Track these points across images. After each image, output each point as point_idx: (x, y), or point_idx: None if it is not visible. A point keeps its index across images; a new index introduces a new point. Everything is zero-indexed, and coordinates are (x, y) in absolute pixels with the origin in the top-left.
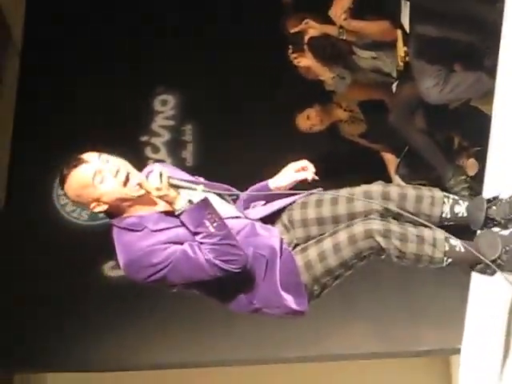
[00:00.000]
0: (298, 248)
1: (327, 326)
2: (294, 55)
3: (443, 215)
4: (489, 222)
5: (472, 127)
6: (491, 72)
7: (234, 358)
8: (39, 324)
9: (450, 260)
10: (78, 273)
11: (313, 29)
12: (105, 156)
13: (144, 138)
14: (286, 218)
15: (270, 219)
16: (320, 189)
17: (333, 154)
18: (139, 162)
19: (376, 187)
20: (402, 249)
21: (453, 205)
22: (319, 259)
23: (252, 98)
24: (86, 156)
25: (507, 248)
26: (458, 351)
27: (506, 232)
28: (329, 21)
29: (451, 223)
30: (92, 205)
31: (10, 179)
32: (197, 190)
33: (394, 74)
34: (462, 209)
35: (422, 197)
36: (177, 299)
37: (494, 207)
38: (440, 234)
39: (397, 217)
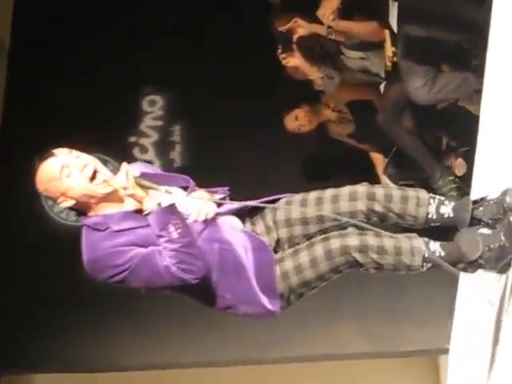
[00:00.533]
0: (276, 256)
1: (314, 326)
2: (283, 55)
3: (429, 216)
4: (475, 222)
5: (460, 127)
6: (479, 72)
7: (222, 358)
8: (31, 324)
9: (429, 265)
10: (69, 274)
11: (301, 28)
12: (75, 152)
13: (132, 139)
14: (270, 218)
15: (249, 218)
16: (290, 194)
17: (321, 154)
18: (128, 163)
19: (361, 188)
20: (380, 261)
21: (438, 205)
22: (295, 272)
23: (240, 99)
24: (57, 150)
25: (491, 246)
26: (446, 351)
27: (487, 231)
28: (317, 21)
29: (437, 224)
30: (59, 199)
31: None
32: (158, 191)
33: (382, 75)
34: (447, 209)
35: (408, 197)
36: (170, 300)
37: (480, 208)
38: (418, 241)
39: (382, 218)
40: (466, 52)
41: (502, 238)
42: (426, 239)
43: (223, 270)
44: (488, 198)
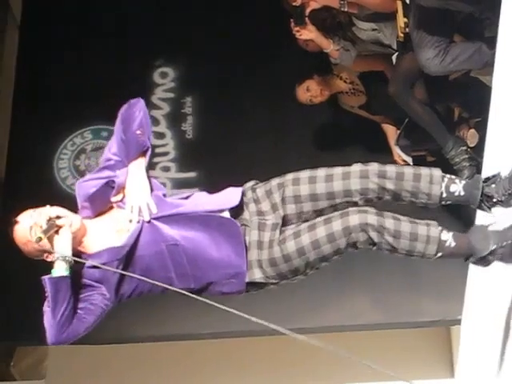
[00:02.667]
0: (291, 231)
1: (328, 298)
2: (296, 28)
3: (442, 195)
4: (487, 199)
5: (472, 98)
6: (491, 43)
7: (228, 330)
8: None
9: (440, 254)
10: None
11: (314, 1)
12: (39, 210)
13: None
14: (277, 195)
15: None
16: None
17: (333, 125)
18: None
19: (372, 166)
20: (394, 245)
21: (449, 184)
22: (312, 247)
23: (251, 71)
24: (19, 217)
25: (504, 243)
26: (458, 322)
27: (498, 228)
28: None
29: (448, 202)
30: (44, 256)
31: (10, 154)
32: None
33: (394, 46)
34: (458, 188)
35: (420, 175)
36: None
37: (492, 185)
38: (435, 231)
39: (394, 196)
40: (479, 23)
41: None
42: (440, 227)
43: (178, 264)
44: (499, 175)
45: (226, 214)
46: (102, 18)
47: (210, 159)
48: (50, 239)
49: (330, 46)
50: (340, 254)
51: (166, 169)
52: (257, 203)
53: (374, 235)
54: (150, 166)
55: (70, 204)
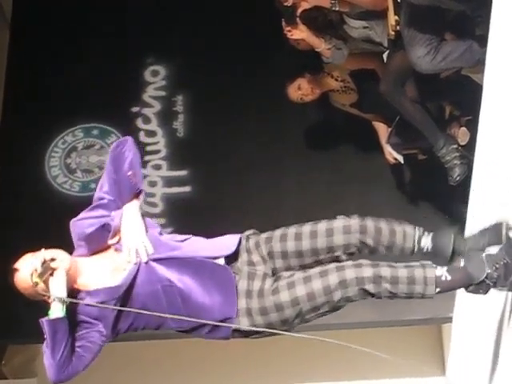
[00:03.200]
0: (284, 281)
1: None
2: (288, 28)
3: (414, 249)
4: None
5: (463, 96)
6: (482, 41)
7: None
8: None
9: (438, 289)
10: (70, 243)
11: (305, 1)
12: (36, 254)
13: (135, 109)
14: (264, 249)
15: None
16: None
17: (324, 123)
18: (131, 133)
19: (353, 221)
20: (393, 291)
21: (419, 239)
22: (307, 298)
23: (242, 69)
24: (17, 264)
25: (497, 265)
26: (449, 320)
27: (492, 251)
28: None
29: (418, 254)
30: (45, 297)
31: (1, 152)
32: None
33: (385, 44)
34: (427, 242)
35: (395, 231)
36: None
37: (462, 244)
38: (431, 271)
39: (372, 251)
40: (470, 21)
41: (505, 255)
42: (434, 265)
43: (172, 304)
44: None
45: (221, 261)
46: (93, 17)
47: (201, 157)
48: (46, 282)
49: (321, 45)
50: (333, 307)
51: (157, 167)
52: (248, 253)
53: (370, 287)
54: (141, 165)
55: (60, 203)
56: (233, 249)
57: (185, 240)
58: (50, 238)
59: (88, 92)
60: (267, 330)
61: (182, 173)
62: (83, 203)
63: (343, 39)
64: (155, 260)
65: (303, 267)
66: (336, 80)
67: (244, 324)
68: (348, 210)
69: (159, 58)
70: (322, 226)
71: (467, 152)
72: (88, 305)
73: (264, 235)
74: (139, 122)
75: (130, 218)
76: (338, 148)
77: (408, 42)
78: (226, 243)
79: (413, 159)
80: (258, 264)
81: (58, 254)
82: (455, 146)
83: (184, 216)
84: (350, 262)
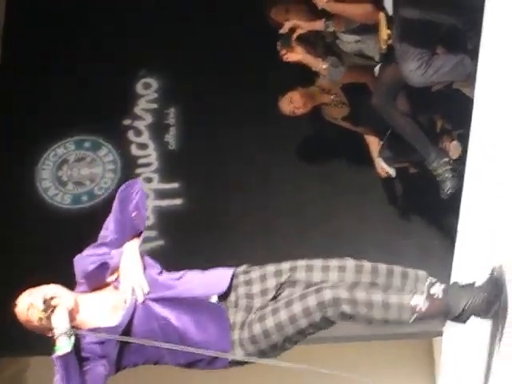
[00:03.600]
0: (270, 307)
1: None
2: (283, 52)
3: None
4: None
5: (454, 110)
6: (473, 55)
7: None
8: None
9: (415, 316)
10: (61, 255)
11: (300, 28)
12: (35, 290)
13: (127, 122)
14: (273, 281)
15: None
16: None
17: (316, 137)
18: (122, 146)
19: (349, 262)
20: (368, 315)
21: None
22: (290, 321)
23: (235, 82)
24: (17, 300)
25: (477, 300)
26: (440, 333)
27: (471, 283)
28: (311, 10)
29: None
30: (47, 333)
31: None
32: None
33: (377, 58)
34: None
35: (393, 271)
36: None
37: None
38: (406, 297)
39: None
40: (461, 35)
41: (486, 290)
42: (412, 292)
43: (169, 341)
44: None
45: (214, 298)
46: (85, 29)
47: (192, 170)
48: (49, 318)
49: (318, 65)
50: (316, 327)
51: (149, 180)
52: (247, 285)
53: (346, 308)
54: (133, 177)
55: (52, 216)
56: (225, 287)
57: (181, 277)
58: (41, 251)
59: (79, 104)
60: (258, 360)
61: (174, 185)
62: (74, 215)
63: (336, 55)
64: (151, 299)
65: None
66: (328, 93)
67: (239, 354)
68: (340, 223)
69: (151, 70)
70: (335, 262)
71: (458, 165)
72: (93, 342)
73: (270, 268)
74: (131, 135)
75: (128, 256)
76: (330, 161)
77: (400, 55)
78: (219, 281)
79: (404, 172)
80: (256, 297)
81: (59, 292)
82: (447, 160)
83: (175, 228)
84: (328, 284)
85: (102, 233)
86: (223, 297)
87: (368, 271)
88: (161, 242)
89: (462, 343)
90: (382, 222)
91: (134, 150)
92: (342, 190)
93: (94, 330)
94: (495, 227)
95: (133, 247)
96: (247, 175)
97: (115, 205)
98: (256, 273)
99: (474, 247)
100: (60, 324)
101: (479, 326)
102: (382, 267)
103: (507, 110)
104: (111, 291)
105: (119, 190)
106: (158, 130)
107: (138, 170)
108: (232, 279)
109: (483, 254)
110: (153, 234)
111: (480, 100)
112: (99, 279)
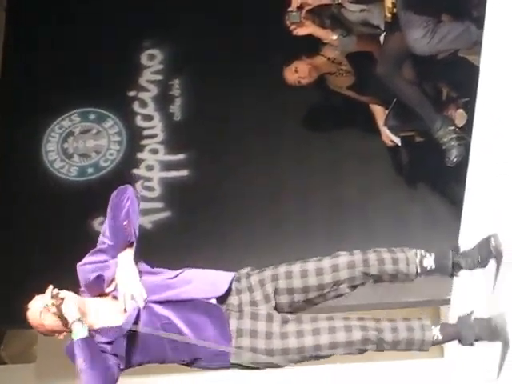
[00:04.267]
0: (291, 329)
1: None
2: (293, 26)
3: (418, 271)
4: (457, 268)
5: (460, 78)
6: (479, 22)
7: None
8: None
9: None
10: (68, 228)
11: (308, 4)
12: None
13: (132, 93)
14: (270, 287)
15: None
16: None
17: (321, 106)
18: (128, 117)
19: (357, 256)
20: (392, 349)
21: (421, 259)
22: (314, 349)
23: (239, 52)
24: (30, 304)
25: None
26: (447, 302)
27: (483, 316)
28: None
29: (422, 276)
30: (56, 335)
31: None
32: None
33: (382, 26)
34: (430, 262)
35: (398, 258)
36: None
37: (461, 258)
38: (428, 334)
39: (377, 279)
40: (467, 2)
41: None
42: (433, 327)
43: (172, 340)
44: (466, 250)
45: (213, 300)
46: (89, 1)
47: (198, 141)
48: (59, 308)
49: (328, 36)
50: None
51: (155, 151)
52: (250, 291)
53: (372, 347)
54: (138, 149)
55: (58, 188)
56: (224, 290)
57: (177, 276)
58: (48, 222)
59: (84, 77)
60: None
61: (180, 157)
62: (80, 188)
63: (345, 26)
64: (152, 302)
65: (307, 301)
66: (333, 63)
67: (246, 360)
68: (345, 192)
69: (156, 41)
70: (327, 263)
71: (464, 133)
72: (104, 342)
73: (268, 272)
74: (136, 106)
75: (123, 266)
76: (335, 131)
77: (405, 24)
78: (218, 284)
79: (410, 141)
80: (260, 303)
81: (66, 292)
82: (452, 128)
83: (181, 200)
84: (357, 323)
85: (100, 238)
86: (223, 299)
87: (360, 264)
88: (167, 214)
89: (468, 311)
90: (387, 190)
91: (139, 122)
92: (348, 159)
93: (103, 330)
94: (501, 194)
95: (127, 257)
96: (252, 145)
97: (108, 211)
98: (255, 278)
99: (480, 214)
100: (72, 312)
101: (486, 294)
102: (373, 258)
103: None
104: (111, 300)
105: (112, 196)
106: (163, 101)
107: (144, 142)
108: (232, 282)
109: (489, 220)
110: (159, 205)
111: (486, 68)
112: (98, 289)
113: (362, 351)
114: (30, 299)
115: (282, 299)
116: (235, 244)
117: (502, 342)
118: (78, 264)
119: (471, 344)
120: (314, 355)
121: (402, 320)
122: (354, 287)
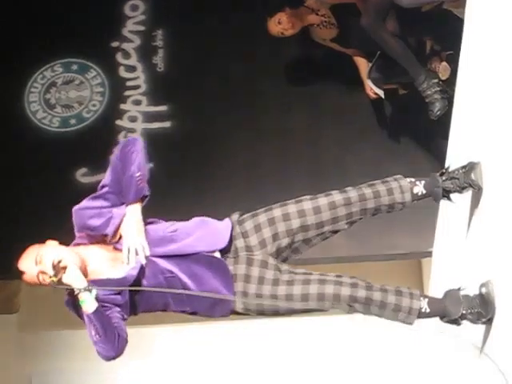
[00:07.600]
0: (299, 277)
1: None
2: None
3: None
4: (446, 193)
5: (444, 31)
6: None
7: None
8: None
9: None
10: (50, 178)
11: None
12: (39, 255)
13: (115, 44)
14: (267, 231)
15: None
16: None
17: (305, 58)
18: (110, 68)
19: (352, 193)
20: (379, 314)
21: (412, 187)
22: (317, 298)
23: (222, 3)
24: (21, 266)
25: (472, 310)
26: (429, 254)
27: (469, 293)
28: None
29: (414, 202)
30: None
31: None
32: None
33: None
34: (420, 188)
35: (392, 188)
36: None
37: (448, 181)
38: (416, 303)
39: (375, 212)
40: None
41: (479, 307)
42: (422, 297)
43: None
44: (453, 169)
45: (217, 254)
46: None
47: (181, 93)
48: (60, 281)
49: None
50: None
51: (137, 102)
52: (245, 237)
53: (359, 307)
54: (121, 100)
55: (40, 139)
56: (225, 242)
57: (177, 230)
58: (31, 173)
59: (67, 27)
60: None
61: (162, 108)
62: (63, 139)
63: None
64: (156, 256)
65: (306, 241)
66: (317, 14)
67: (238, 305)
68: (328, 144)
69: None
70: (323, 201)
71: (448, 87)
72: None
73: (263, 217)
74: (119, 57)
75: (131, 219)
76: (318, 83)
77: None
78: (219, 237)
79: (393, 94)
80: (255, 249)
81: (62, 254)
82: (436, 81)
83: (164, 151)
84: (348, 280)
85: (101, 183)
86: (224, 251)
87: (356, 200)
88: (150, 165)
89: (450, 265)
90: (371, 142)
91: (122, 73)
92: (331, 111)
93: (107, 281)
94: (484, 148)
95: (136, 210)
96: (235, 97)
97: (116, 160)
98: (250, 223)
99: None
100: (77, 282)
101: (467, 251)
102: (368, 192)
103: (497, 30)
104: (111, 250)
105: (120, 147)
106: (146, 52)
107: (127, 93)
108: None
109: None
110: None
111: (470, 21)
112: (98, 234)
113: (350, 310)
114: (13, 250)
115: (282, 243)
116: (220, 190)
117: (490, 312)
118: (75, 208)
119: (456, 321)
120: (301, 305)
121: (391, 286)
122: (351, 223)
